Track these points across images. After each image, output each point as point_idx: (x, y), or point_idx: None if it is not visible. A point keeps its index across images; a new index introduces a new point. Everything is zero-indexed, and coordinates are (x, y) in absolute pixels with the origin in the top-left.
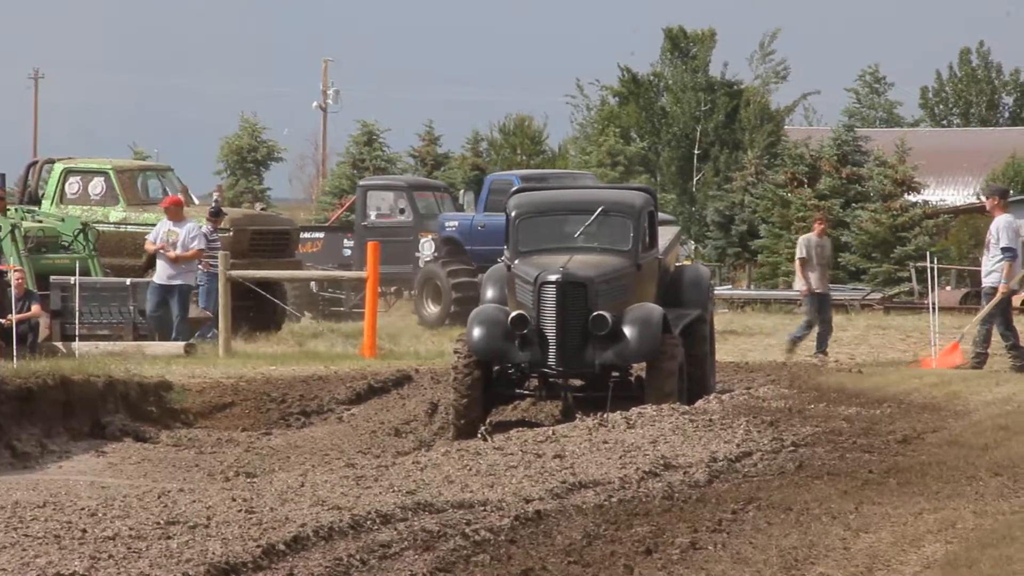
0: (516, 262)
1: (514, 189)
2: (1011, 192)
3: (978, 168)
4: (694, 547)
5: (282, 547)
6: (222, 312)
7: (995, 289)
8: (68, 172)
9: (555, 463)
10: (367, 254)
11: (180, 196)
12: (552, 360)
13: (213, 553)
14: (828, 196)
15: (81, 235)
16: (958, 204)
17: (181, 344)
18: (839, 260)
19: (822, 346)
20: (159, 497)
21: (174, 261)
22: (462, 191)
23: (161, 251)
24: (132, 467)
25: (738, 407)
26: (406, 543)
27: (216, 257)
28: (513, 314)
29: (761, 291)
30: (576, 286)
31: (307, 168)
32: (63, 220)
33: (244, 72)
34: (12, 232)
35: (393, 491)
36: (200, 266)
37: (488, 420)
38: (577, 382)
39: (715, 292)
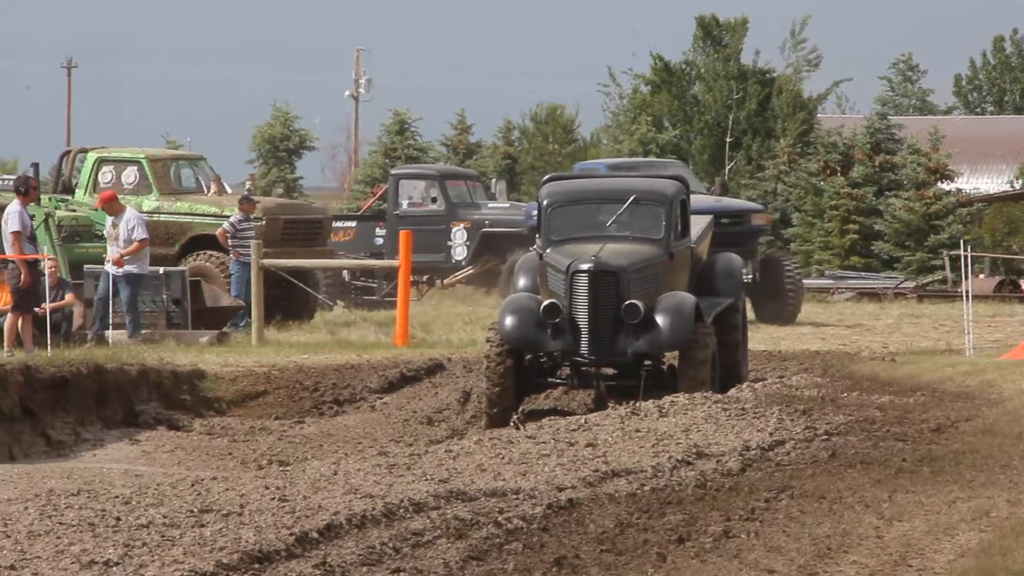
0: (548, 251)
1: (546, 177)
2: None
3: (1012, 155)
4: (727, 535)
5: (315, 535)
6: (255, 301)
7: None
8: (101, 161)
9: (587, 452)
10: (399, 243)
11: (111, 190)
12: (584, 349)
13: (246, 541)
14: (861, 184)
15: None
16: (992, 192)
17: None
18: (872, 248)
19: None
20: (192, 485)
21: (117, 263)
22: (494, 180)
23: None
24: (165, 455)
25: (771, 396)
26: (439, 531)
27: (248, 246)
28: (545, 303)
29: None
30: (608, 275)
31: (339, 157)
32: (96, 209)
33: (277, 61)
34: (46, 221)
35: (426, 479)
36: (231, 255)
37: (520, 409)
38: (609, 371)
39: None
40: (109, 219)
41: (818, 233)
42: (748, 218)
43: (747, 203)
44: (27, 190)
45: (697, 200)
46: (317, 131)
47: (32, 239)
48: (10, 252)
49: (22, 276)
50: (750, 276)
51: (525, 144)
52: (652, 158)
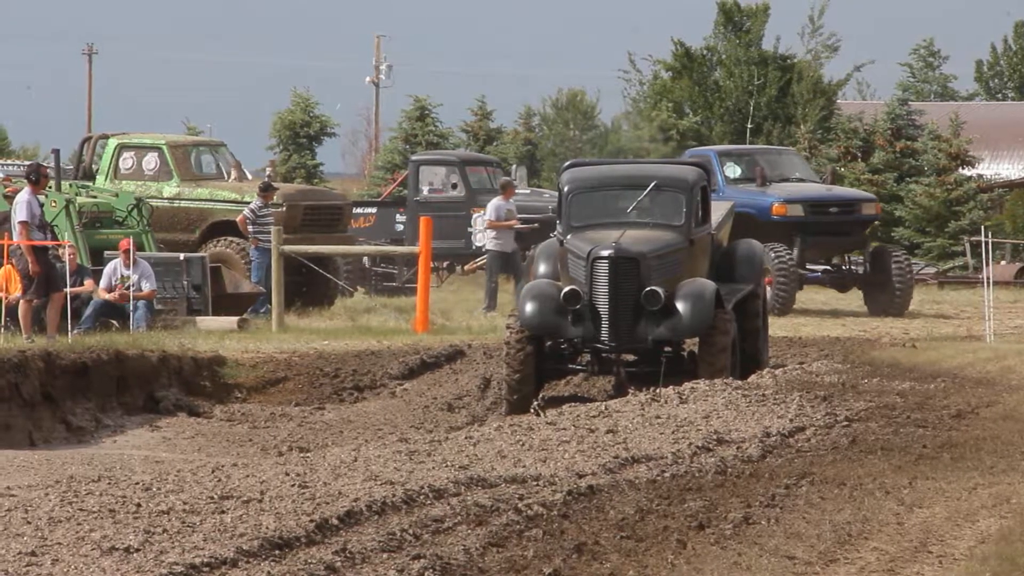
0: (569, 237)
1: (566, 163)
2: None
3: None
4: (747, 522)
5: (335, 522)
6: (275, 287)
7: None
8: (122, 147)
9: (608, 438)
10: (419, 229)
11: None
12: (604, 335)
13: (267, 528)
14: (882, 170)
15: (135, 210)
16: (1013, 178)
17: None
18: (892, 234)
19: None
20: (213, 472)
21: (123, 298)
22: (514, 166)
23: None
24: (186, 441)
25: (791, 382)
26: (459, 518)
27: (268, 232)
28: (566, 289)
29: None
30: (628, 261)
31: (359, 143)
32: (117, 195)
33: (297, 47)
34: (66, 207)
35: (446, 466)
36: (251, 242)
37: (541, 395)
38: (629, 357)
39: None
40: (120, 265)
41: None
42: (858, 207)
43: (858, 192)
44: (38, 179)
45: (808, 188)
46: (337, 117)
47: (43, 227)
48: (17, 240)
49: (29, 264)
50: (859, 267)
51: (545, 130)
52: (770, 146)
